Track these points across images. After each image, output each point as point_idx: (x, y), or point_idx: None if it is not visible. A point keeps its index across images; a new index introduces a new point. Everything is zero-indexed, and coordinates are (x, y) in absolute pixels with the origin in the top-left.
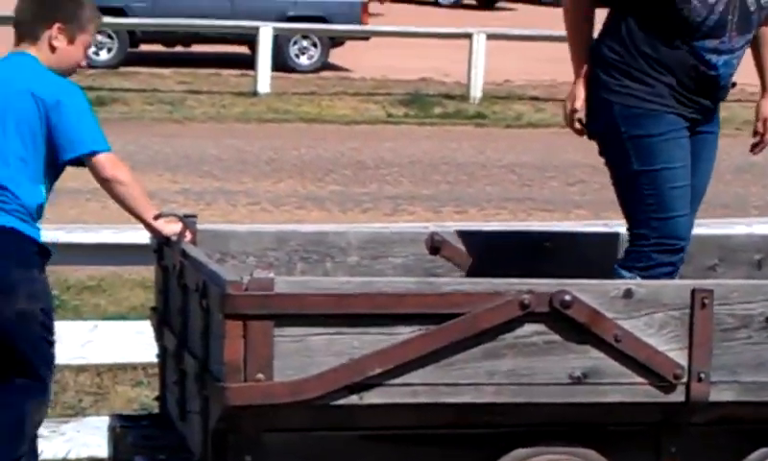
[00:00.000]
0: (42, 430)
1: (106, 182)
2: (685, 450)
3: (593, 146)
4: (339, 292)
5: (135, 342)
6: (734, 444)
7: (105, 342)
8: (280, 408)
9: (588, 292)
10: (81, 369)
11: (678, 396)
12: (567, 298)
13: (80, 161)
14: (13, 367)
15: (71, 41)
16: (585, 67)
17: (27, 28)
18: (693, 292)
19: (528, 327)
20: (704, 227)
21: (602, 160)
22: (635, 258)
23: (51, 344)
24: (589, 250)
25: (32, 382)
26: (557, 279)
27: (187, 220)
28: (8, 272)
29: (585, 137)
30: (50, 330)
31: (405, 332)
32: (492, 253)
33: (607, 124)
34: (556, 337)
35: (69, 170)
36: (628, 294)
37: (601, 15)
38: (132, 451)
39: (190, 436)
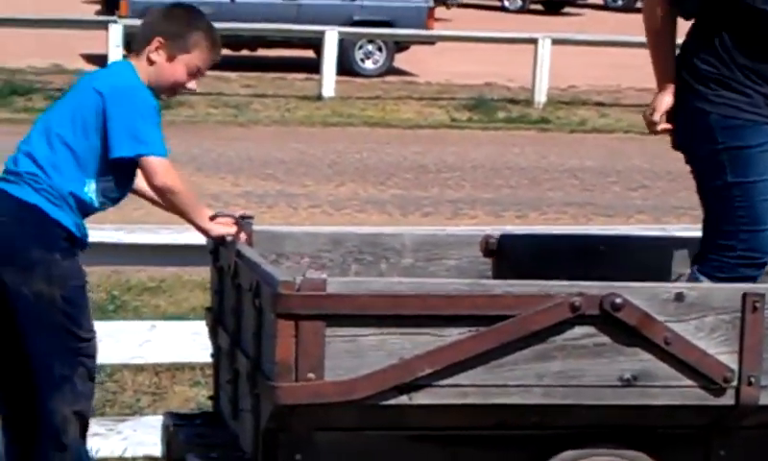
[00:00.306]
0: (99, 428)
1: (157, 190)
2: (735, 454)
3: (656, 152)
4: (390, 293)
5: (193, 342)
6: None
7: (163, 342)
8: (331, 407)
9: (638, 295)
10: (139, 369)
11: (727, 399)
12: (618, 301)
13: (129, 165)
14: (31, 375)
15: (170, 58)
16: (670, 77)
17: (138, 38)
18: (744, 296)
19: (578, 330)
20: None
21: (665, 166)
22: (717, 268)
23: (76, 337)
24: (645, 254)
25: (53, 390)
26: (607, 282)
27: (243, 221)
28: (27, 249)
29: (646, 143)
30: (74, 321)
31: (455, 334)
32: (547, 256)
33: (701, 134)
34: (606, 339)
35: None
36: (679, 297)
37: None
38: (184, 449)
39: (242, 434)
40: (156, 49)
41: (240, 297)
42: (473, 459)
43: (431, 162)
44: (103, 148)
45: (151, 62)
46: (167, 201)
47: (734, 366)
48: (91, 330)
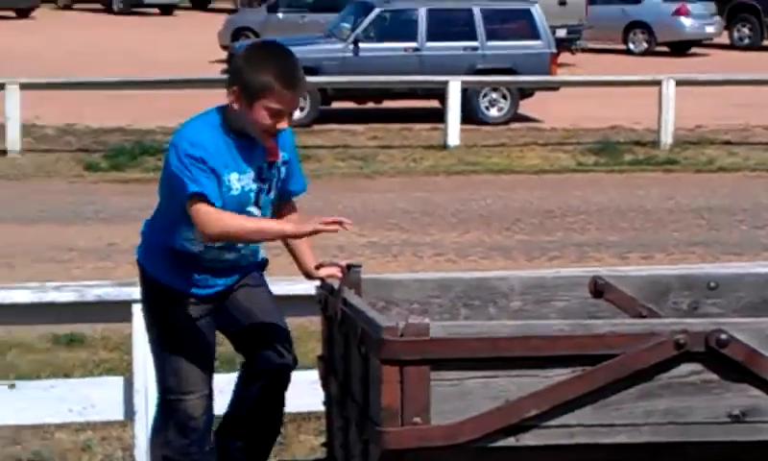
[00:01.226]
0: None
1: (207, 240)
2: None
3: None
4: (493, 335)
5: (314, 391)
6: None
7: (288, 392)
8: (438, 452)
9: (744, 330)
10: None
11: None
12: (723, 337)
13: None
14: None
15: (249, 106)
16: None
17: (228, 83)
18: None
19: (684, 367)
20: None
21: None
22: None
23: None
24: (756, 290)
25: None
26: (713, 319)
27: (351, 269)
28: None
29: None
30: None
31: (560, 374)
32: (656, 295)
33: None
34: (713, 376)
35: None
36: None
37: None
38: None
39: None
40: (235, 100)
41: (348, 344)
42: None
43: (556, 207)
44: None
45: (234, 111)
46: (235, 239)
47: None
48: None
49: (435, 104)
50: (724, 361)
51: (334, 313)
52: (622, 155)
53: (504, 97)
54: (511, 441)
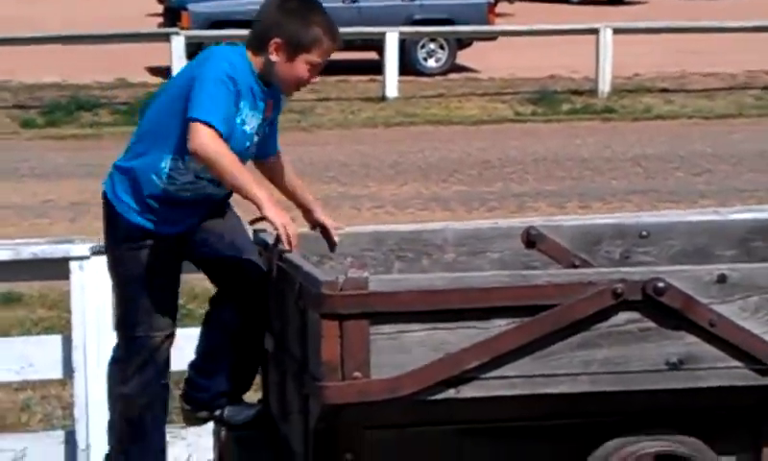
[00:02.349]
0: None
1: (192, 154)
2: None
3: (720, 136)
4: (432, 288)
5: None
6: None
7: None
8: (379, 405)
9: (681, 278)
10: None
11: None
12: (661, 285)
13: None
14: None
15: (290, 59)
16: None
17: (254, 34)
18: None
19: (622, 316)
20: None
21: (729, 150)
22: None
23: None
24: (688, 238)
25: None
26: (649, 267)
27: None
28: None
29: (710, 127)
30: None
31: (500, 325)
32: (588, 244)
33: None
34: (651, 324)
35: None
36: (722, 279)
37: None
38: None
39: (291, 435)
40: (275, 51)
41: (284, 299)
42: (523, 451)
43: (494, 157)
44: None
45: (271, 63)
46: (207, 167)
47: None
48: None
49: (373, 55)
50: (661, 309)
51: (269, 268)
52: (560, 104)
53: (442, 48)
54: (451, 393)
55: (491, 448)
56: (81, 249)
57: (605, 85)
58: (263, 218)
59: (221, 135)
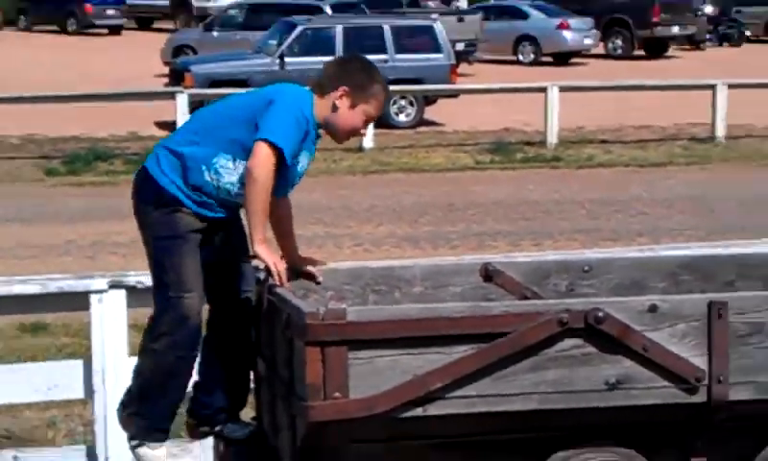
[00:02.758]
0: (173, 449)
1: (249, 166)
2: (711, 446)
3: (653, 181)
4: (402, 318)
5: None
6: (755, 438)
7: None
8: (357, 422)
9: (617, 308)
10: None
11: (701, 397)
12: (600, 314)
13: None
14: None
15: (352, 107)
16: None
17: (321, 80)
18: (710, 304)
19: (567, 342)
20: (722, 247)
21: (661, 195)
22: None
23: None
24: (625, 272)
25: None
26: (591, 299)
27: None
28: None
29: (644, 174)
30: None
31: (460, 351)
32: (538, 278)
33: None
34: (592, 349)
35: None
36: (653, 309)
37: None
38: None
39: (282, 449)
40: (341, 97)
41: (273, 329)
42: None
43: (458, 201)
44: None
45: (334, 108)
46: (246, 184)
47: (705, 367)
48: None
49: None
50: (601, 336)
51: (260, 300)
52: (514, 153)
53: (411, 104)
54: (419, 411)
55: (469, 458)
56: (99, 283)
57: (553, 137)
58: (255, 256)
59: (283, 163)
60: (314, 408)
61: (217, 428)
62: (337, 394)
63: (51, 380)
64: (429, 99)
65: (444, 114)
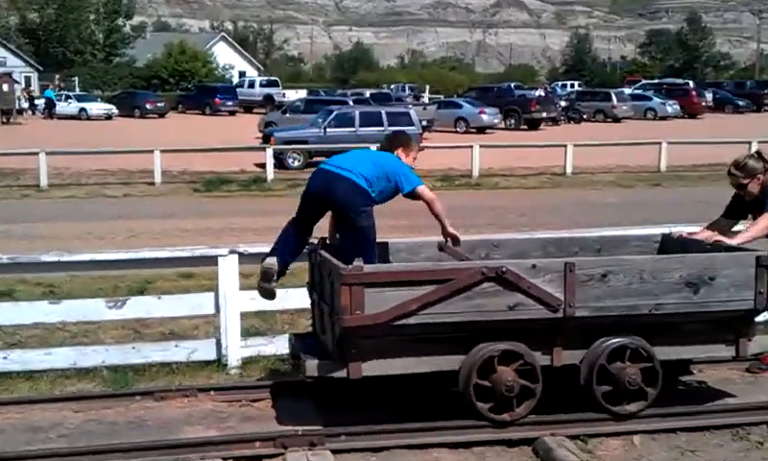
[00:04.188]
0: (262, 340)
1: (427, 203)
2: (565, 340)
3: (532, 197)
4: (396, 270)
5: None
6: (589, 338)
7: (295, 297)
8: (369, 327)
9: (514, 265)
10: (282, 312)
11: (560, 314)
12: (504, 269)
13: (410, 195)
14: None
15: (407, 156)
16: None
17: (389, 145)
18: (565, 264)
19: (485, 284)
20: (570, 233)
21: (537, 204)
22: None
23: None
24: (515, 246)
25: None
26: (500, 261)
27: (321, 240)
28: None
29: (527, 193)
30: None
31: (427, 289)
32: (469, 250)
33: None
34: (500, 288)
35: None
36: (534, 266)
37: None
38: (300, 349)
39: (327, 343)
40: (401, 152)
41: (322, 276)
42: (440, 348)
43: (419, 210)
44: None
45: (405, 160)
46: (431, 207)
47: (562, 298)
48: None
49: None
50: (505, 281)
51: (316, 261)
52: (454, 181)
53: None
54: (404, 321)
55: (426, 346)
56: (223, 251)
57: (476, 172)
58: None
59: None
60: (345, 319)
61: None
62: (358, 311)
63: (196, 303)
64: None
65: (417, 162)
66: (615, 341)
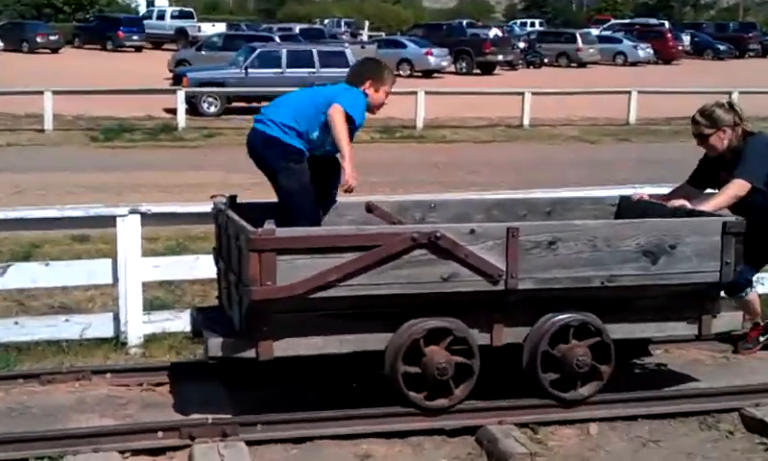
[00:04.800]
0: (168, 315)
1: (328, 117)
2: (506, 317)
3: (484, 152)
4: (310, 235)
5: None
6: (533, 312)
7: (207, 265)
8: (280, 301)
9: (450, 230)
10: (192, 282)
11: (501, 286)
12: (438, 234)
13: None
14: None
15: (377, 90)
16: None
17: (353, 77)
18: (508, 229)
19: (417, 252)
20: (521, 193)
21: (489, 159)
22: None
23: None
24: (456, 208)
25: None
26: (432, 224)
27: (230, 199)
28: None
29: (481, 147)
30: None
31: (349, 256)
32: (402, 211)
33: None
34: (433, 256)
35: None
36: (472, 231)
37: None
38: (201, 326)
39: (234, 318)
40: (369, 86)
41: (229, 240)
42: (363, 325)
43: (358, 164)
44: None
45: (367, 95)
46: (330, 122)
47: (503, 268)
48: None
49: None
50: (438, 248)
51: (223, 222)
52: (395, 133)
53: None
54: (321, 294)
55: (347, 323)
56: (122, 211)
57: (420, 123)
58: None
59: (352, 124)
60: (254, 291)
61: None
62: (269, 282)
63: (92, 272)
64: None
65: None
66: (562, 317)
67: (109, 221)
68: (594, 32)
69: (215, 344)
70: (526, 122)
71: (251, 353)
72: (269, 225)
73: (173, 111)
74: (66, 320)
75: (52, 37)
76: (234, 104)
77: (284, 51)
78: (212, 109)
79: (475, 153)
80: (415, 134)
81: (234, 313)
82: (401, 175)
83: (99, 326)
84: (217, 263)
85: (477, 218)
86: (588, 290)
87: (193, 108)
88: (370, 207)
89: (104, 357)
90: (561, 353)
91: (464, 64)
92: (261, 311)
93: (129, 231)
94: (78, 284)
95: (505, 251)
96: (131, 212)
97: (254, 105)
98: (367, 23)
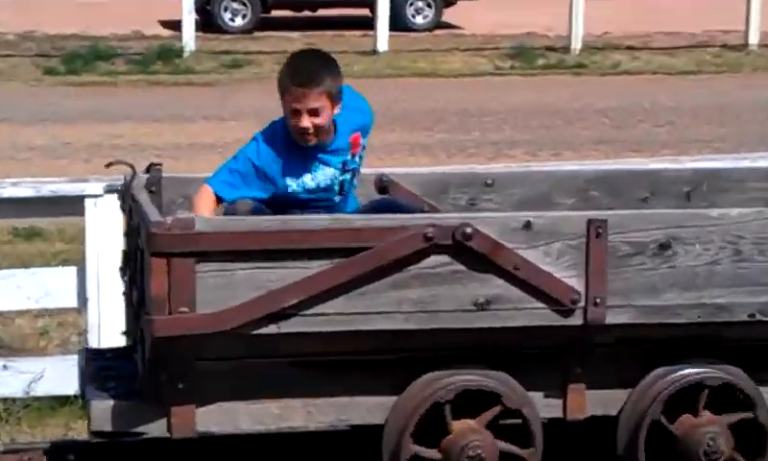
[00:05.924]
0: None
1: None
2: (590, 371)
3: (681, 90)
4: (255, 229)
5: None
6: (635, 363)
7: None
8: (206, 338)
9: (488, 225)
10: None
11: (576, 319)
12: (468, 230)
13: None
14: None
15: (285, 110)
16: None
17: None
18: (589, 222)
19: (433, 259)
20: (638, 164)
21: (689, 104)
22: None
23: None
24: (531, 186)
25: None
26: (461, 214)
27: (153, 168)
28: None
29: (672, 83)
30: None
31: (319, 266)
32: (437, 191)
33: None
34: (460, 267)
35: None
36: (527, 225)
37: None
38: (91, 381)
39: (138, 363)
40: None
41: (138, 240)
42: (349, 382)
43: (474, 108)
44: None
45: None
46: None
47: (581, 288)
48: None
49: (365, 12)
50: (470, 253)
51: (128, 208)
52: (536, 59)
53: (429, 5)
54: (273, 328)
55: (319, 379)
56: (95, 187)
57: (577, 43)
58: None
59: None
60: (158, 322)
61: None
62: (184, 308)
63: (43, 288)
64: (448, 1)
65: (464, 17)
66: (687, 372)
67: (74, 204)
68: None
69: (101, 411)
70: (753, 40)
71: (158, 428)
72: (182, 213)
73: (175, 25)
74: (3, 367)
75: None
76: (275, 12)
77: None
78: (238, 22)
79: (669, 91)
80: (568, 61)
81: (138, 356)
82: (548, 128)
83: (56, 376)
84: (125, 274)
85: (567, 203)
86: (729, 327)
87: (208, 19)
88: (383, 184)
89: (65, 426)
90: (681, 431)
91: None
92: (173, 356)
93: (104, 221)
94: (22, 309)
95: (584, 259)
96: (107, 191)
97: (306, 13)
98: None
